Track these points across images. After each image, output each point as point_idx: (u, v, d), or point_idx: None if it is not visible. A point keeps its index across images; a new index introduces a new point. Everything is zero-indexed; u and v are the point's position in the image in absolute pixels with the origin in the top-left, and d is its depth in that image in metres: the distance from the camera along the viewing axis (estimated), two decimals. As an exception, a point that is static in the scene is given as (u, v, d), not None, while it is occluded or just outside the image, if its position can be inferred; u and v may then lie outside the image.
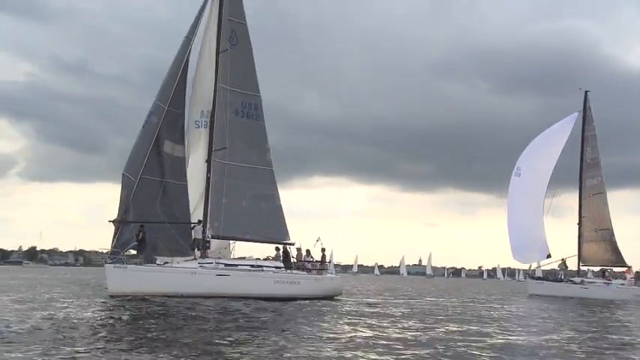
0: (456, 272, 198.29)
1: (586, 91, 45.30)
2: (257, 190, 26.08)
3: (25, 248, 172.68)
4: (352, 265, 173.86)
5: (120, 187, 24.05)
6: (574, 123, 44.34)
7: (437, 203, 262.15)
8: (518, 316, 22.65)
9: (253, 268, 24.45)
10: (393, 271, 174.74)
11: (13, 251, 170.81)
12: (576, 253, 43.55)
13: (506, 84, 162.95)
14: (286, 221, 26.55)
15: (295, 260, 26.15)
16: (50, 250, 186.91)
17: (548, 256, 42.79)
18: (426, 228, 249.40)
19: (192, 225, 24.70)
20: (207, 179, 25.08)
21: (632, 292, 40.17)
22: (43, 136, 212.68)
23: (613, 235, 43.13)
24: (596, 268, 45.60)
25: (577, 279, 42.84)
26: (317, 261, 26.37)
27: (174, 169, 24.64)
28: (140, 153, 24.04)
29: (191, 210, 25.02)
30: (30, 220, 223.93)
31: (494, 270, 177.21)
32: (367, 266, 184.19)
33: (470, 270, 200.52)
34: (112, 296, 22.15)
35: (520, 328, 16.58)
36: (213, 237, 24.93)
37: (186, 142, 25.49)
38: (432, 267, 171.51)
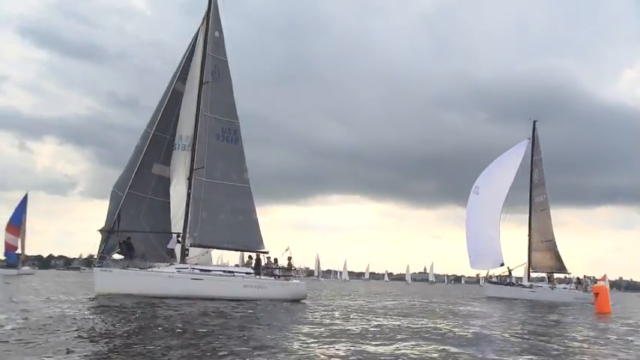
0: (457, 279, 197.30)
1: (534, 121, 46.36)
2: (235, 205, 26.31)
3: (84, 256, 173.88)
4: (364, 273, 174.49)
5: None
6: (525, 148, 45.23)
7: (440, 218, 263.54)
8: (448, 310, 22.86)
9: (225, 274, 24.79)
10: (401, 278, 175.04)
11: (74, 259, 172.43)
12: (526, 260, 44.37)
13: (501, 114, 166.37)
14: (261, 231, 26.77)
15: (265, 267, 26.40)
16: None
17: (502, 264, 43.61)
18: (431, 240, 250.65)
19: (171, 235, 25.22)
20: (188, 194, 25.37)
21: (572, 295, 40.58)
22: (101, 160, 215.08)
23: (555, 245, 44.15)
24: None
25: (527, 283, 43.64)
26: (283, 267, 26.58)
27: (158, 187, 25.36)
28: (128, 172, 24.76)
29: (174, 222, 25.61)
30: (89, 232, 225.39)
31: (490, 277, 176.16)
32: (378, 273, 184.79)
33: (469, 277, 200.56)
34: (98, 294, 22.62)
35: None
36: (192, 245, 25.18)
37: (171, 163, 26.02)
38: (434, 274, 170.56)
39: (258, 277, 25.09)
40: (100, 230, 23.98)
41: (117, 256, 24.48)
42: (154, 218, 25.02)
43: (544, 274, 44.21)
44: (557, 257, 43.76)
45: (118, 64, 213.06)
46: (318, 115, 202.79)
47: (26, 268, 70.63)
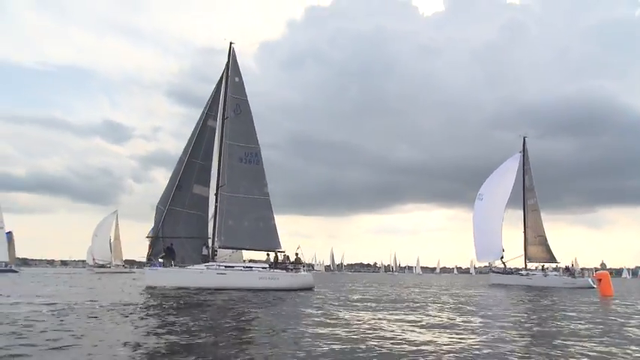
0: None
1: (524, 137, 44.80)
2: (257, 214, 26.32)
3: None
4: (436, 268, 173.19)
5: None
6: (518, 160, 43.91)
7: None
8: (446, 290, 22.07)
9: (244, 269, 24.76)
10: (467, 271, 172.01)
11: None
12: (522, 253, 42.71)
13: (549, 131, 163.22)
14: (278, 234, 26.70)
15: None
16: None
17: (502, 257, 42.36)
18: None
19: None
20: (215, 207, 25.60)
21: (562, 280, 38.74)
22: None
23: (546, 240, 42.37)
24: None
25: (523, 272, 41.99)
26: (292, 262, 26.30)
27: (195, 203, 25.69)
28: (168, 191, 25.28)
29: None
30: None
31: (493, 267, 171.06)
32: (448, 268, 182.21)
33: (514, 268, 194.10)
34: (148, 287, 23.07)
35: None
36: (219, 247, 25.39)
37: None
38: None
39: (271, 270, 24.90)
40: (147, 237, 24.51)
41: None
42: (191, 228, 25.36)
43: (539, 264, 42.23)
44: (548, 250, 42.04)
45: None
46: (391, 140, 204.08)
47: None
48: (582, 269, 41.61)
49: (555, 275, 40.08)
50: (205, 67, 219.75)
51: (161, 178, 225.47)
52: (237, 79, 27.23)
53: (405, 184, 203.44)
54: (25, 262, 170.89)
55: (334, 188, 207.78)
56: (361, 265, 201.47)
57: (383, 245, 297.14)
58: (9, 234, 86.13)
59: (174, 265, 24.19)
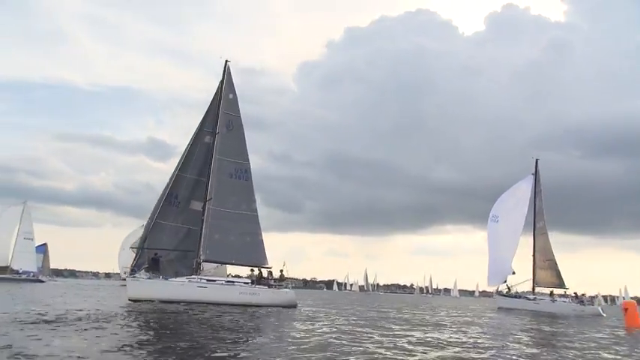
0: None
1: (536, 159, 43.41)
2: (243, 229, 26.15)
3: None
4: (475, 291, 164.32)
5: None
6: (531, 182, 42.64)
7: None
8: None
9: (226, 283, 24.48)
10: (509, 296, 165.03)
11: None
12: (531, 277, 41.08)
13: (593, 151, 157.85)
14: (265, 250, 26.46)
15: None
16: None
17: (505, 281, 40.95)
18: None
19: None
20: (201, 220, 25.50)
21: (571, 307, 37.06)
22: (264, 202, 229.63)
23: (556, 264, 40.68)
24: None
25: (531, 296, 40.33)
26: (276, 279, 25.88)
27: (185, 217, 25.59)
28: (157, 205, 25.30)
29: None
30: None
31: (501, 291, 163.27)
32: (489, 292, 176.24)
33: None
34: (130, 299, 22.99)
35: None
36: (204, 261, 25.22)
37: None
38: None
39: (252, 286, 24.56)
40: (131, 248, 24.57)
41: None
42: (178, 241, 25.25)
43: (548, 290, 40.51)
44: (558, 275, 40.39)
45: (274, 130, 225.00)
46: (430, 159, 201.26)
47: None
48: (591, 297, 39.56)
49: (563, 302, 38.37)
50: (245, 87, 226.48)
51: None
52: (231, 96, 27.37)
53: (444, 205, 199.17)
54: (73, 273, 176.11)
55: (371, 207, 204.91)
56: (397, 286, 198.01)
57: (420, 266, 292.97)
58: (44, 246, 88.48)
59: (159, 277, 24.03)
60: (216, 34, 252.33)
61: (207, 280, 24.09)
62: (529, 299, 39.73)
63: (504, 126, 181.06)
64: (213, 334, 11.10)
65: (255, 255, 25.99)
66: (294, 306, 24.58)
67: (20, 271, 66.79)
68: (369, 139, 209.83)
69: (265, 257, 26.18)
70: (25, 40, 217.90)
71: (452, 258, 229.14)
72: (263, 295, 24.06)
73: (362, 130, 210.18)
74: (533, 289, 40.82)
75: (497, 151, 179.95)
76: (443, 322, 19.10)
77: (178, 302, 22.08)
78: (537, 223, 41.57)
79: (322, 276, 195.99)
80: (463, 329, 16.06)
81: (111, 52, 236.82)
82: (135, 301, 22.52)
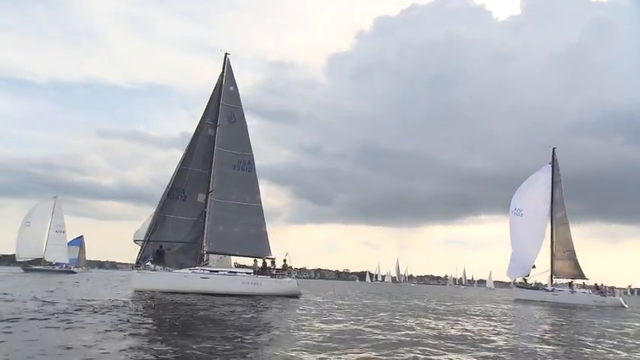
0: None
1: (554, 148, 42.02)
2: (247, 220, 26.14)
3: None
4: (510, 282, 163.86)
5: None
6: (549, 171, 41.23)
7: (585, 234, 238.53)
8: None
9: (228, 274, 24.49)
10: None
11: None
12: (549, 268, 39.81)
13: (636, 137, 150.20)
14: (269, 240, 26.43)
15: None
16: (301, 268, 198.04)
17: (527, 275, 39.77)
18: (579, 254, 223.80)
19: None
20: (204, 212, 25.55)
21: (591, 298, 35.84)
22: (296, 195, 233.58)
23: (575, 254, 39.27)
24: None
25: (549, 287, 39.14)
26: (278, 269, 25.76)
27: (189, 210, 25.67)
28: (161, 199, 25.45)
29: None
30: (291, 249, 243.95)
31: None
32: (562, 284, 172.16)
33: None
34: (135, 291, 23.26)
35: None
36: (207, 252, 25.32)
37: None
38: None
39: (255, 275, 24.52)
40: (135, 241, 24.81)
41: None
42: (184, 233, 25.36)
43: (566, 281, 39.19)
44: (577, 265, 39.03)
45: (304, 123, 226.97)
46: (463, 149, 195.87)
47: None
48: (612, 287, 38.06)
49: (583, 292, 37.10)
50: (275, 81, 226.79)
51: None
52: (231, 89, 27.29)
53: (478, 195, 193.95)
54: (114, 265, 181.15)
55: (404, 198, 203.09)
56: (431, 277, 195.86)
57: (454, 257, 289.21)
58: (80, 238, 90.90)
59: (163, 269, 24.25)
60: (245, 28, 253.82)
61: (210, 271, 24.17)
62: (548, 290, 38.59)
63: (540, 113, 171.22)
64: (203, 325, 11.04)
65: (258, 246, 25.97)
66: (296, 296, 24.46)
67: (54, 263, 68.78)
68: (401, 129, 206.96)
69: (269, 248, 26.13)
70: (64, 40, 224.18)
71: (487, 248, 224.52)
72: (265, 284, 24.04)
73: (393, 121, 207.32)
74: (552, 280, 39.58)
75: (532, 139, 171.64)
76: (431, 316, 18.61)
77: (182, 293, 22.26)
78: (557, 213, 40.24)
79: (355, 267, 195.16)
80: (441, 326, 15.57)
81: (144, 49, 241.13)
82: (140, 291, 22.79)
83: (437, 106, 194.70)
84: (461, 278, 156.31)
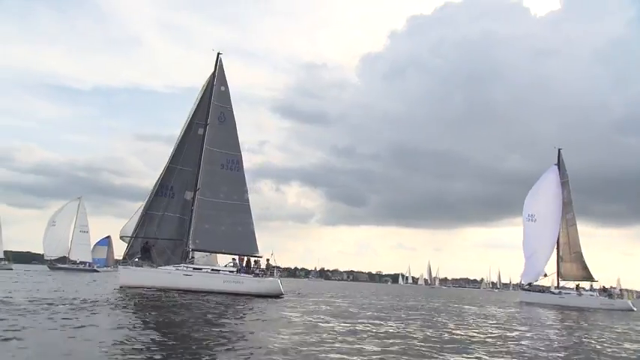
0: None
1: (559, 149, 40.51)
2: (235, 219, 26.05)
3: (318, 269, 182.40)
4: (550, 287, 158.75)
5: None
6: (555, 173, 39.69)
7: (632, 236, 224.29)
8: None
9: (211, 272, 24.32)
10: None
11: (311, 270, 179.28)
12: (555, 270, 38.36)
13: None
14: (256, 238, 26.34)
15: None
16: (333, 270, 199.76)
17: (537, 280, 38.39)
18: (623, 257, 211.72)
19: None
20: (191, 211, 25.50)
21: (599, 300, 34.41)
22: (329, 196, 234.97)
23: (582, 256, 37.82)
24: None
25: (555, 290, 37.71)
26: (262, 268, 25.42)
27: (178, 207, 25.71)
28: (149, 197, 25.54)
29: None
30: (323, 250, 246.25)
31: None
32: (568, 287, 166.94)
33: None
34: (121, 287, 23.43)
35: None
36: (193, 250, 25.27)
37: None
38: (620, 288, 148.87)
39: (237, 274, 24.27)
40: (121, 238, 24.96)
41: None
42: (170, 230, 25.39)
43: (573, 283, 37.75)
44: (585, 267, 37.65)
45: (337, 123, 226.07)
46: (500, 149, 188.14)
47: None
48: (621, 290, 36.45)
49: (591, 295, 35.62)
50: (308, 82, 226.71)
51: (267, 189, 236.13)
52: (222, 88, 27.25)
53: (517, 196, 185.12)
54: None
55: (439, 200, 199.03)
56: (467, 280, 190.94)
57: (490, 260, 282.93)
58: (107, 239, 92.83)
59: (149, 265, 24.29)
60: (278, 31, 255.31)
61: (194, 269, 24.06)
62: (554, 293, 37.16)
63: (582, 111, 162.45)
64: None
65: (245, 244, 25.82)
66: (279, 295, 24.13)
67: (78, 262, 70.32)
68: (435, 129, 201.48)
69: (256, 246, 25.97)
70: (106, 47, 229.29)
71: None
72: (247, 283, 23.79)
73: (428, 121, 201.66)
74: (558, 282, 38.17)
75: (575, 138, 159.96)
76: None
77: (165, 289, 22.26)
78: (566, 214, 38.70)
79: (389, 270, 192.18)
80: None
81: (181, 54, 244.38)
82: (125, 287, 22.89)
83: (472, 104, 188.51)
84: (496, 282, 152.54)
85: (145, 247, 24.73)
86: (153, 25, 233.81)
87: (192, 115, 26.57)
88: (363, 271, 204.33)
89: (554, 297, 36.45)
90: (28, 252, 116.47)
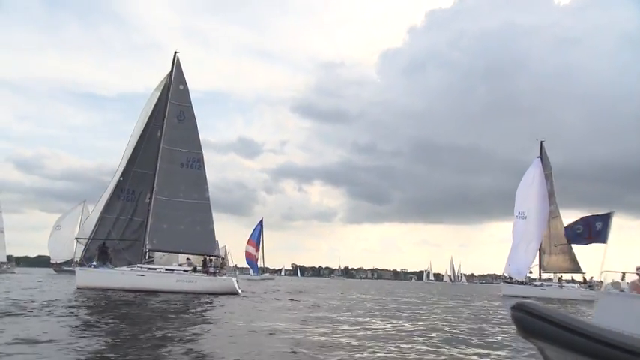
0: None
1: (541, 141, 39.33)
2: (194, 218, 25.49)
3: (342, 267, 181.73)
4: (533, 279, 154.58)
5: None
6: (539, 166, 38.38)
7: None
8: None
9: (165, 271, 23.82)
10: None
11: (335, 269, 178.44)
12: (537, 263, 37.23)
13: None
14: (215, 238, 25.91)
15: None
16: (358, 268, 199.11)
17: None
18: None
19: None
20: (147, 211, 25.02)
21: (579, 292, 33.24)
22: (351, 194, 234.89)
23: (571, 248, 36.30)
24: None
25: (538, 282, 36.53)
26: (216, 267, 24.85)
27: (133, 208, 25.28)
28: (107, 200, 25.11)
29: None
30: (348, 249, 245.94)
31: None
32: (596, 281, 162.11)
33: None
34: (78, 288, 23.03)
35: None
36: (150, 250, 24.79)
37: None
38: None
39: (190, 273, 23.75)
40: (77, 239, 24.60)
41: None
42: (128, 231, 24.98)
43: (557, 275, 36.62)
44: (573, 259, 36.21)
45: (358, 121, 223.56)
46: (523, 141, 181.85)
47: (266, 275, 72.58)
48: (601, 282, 35.07)
49: (572, 287, 34.42)
50: (327, 81, 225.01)
51: (289, 189, 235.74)
52: (181, 87, 26.73)
53: None
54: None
55: (464, 195, 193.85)
56: (494, 276, 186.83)
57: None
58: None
59: (106, 266, 23.89)
60: (297, 31, 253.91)
61: (148, 269, 23.59)
62: (536, 285, 36.02)
63: (610, 100, 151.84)
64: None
65: (204, 243, 25.28)
66: (235, 293, 23.53)
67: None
68: (458, 124, 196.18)
69: (215, 246, 25.58)
70: (128, 53, 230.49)
71: None
72: (200, 282, 23.27)
73: (449, 116, 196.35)
74: (540, 275, 37.02)
75: (602, 127, 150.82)
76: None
77: (121, 290, 21.83)
78: (549, 207, 37.46)
79: (414, 267, 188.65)
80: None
81: (201, 58, 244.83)
82: (83, 289, 22.52)
83: (495, 97, 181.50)
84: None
85: (102, 249, 24.35)
86: (173, 29, 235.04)
87: (149, 117, 26.05)
88: (388, 268, 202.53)
89: (537, 289, 35.31)
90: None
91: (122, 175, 25.20)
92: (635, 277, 7.84)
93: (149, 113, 26.11)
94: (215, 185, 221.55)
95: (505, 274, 39.27)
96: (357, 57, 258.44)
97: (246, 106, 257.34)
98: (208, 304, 17.44)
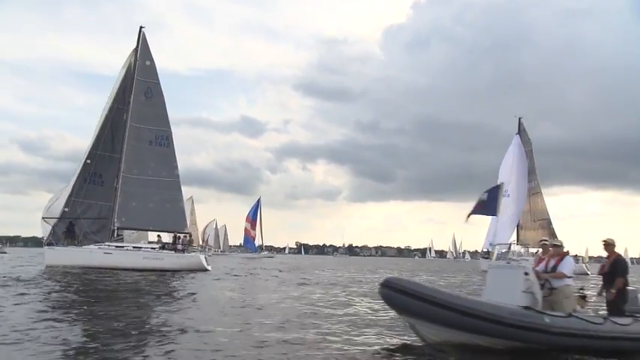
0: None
1: (519, 118, 38.85)
2: (163, 195, 25.11)
3: (346, 245, 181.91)
4: (583, 257, 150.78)
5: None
6: (519, 143, 37.65)
7: None
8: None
9: (133, 249, 23.57)
10: None
11: (339, 247, 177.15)
12: (515, 238, 36.87)
13: None
14: (185, 216, 25.55)
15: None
16: (362, 246, 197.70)
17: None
18: None
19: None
20: (115, 189, 24.56)
21: None
22: (355, 173, 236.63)
23: (550, 223, 36.46)
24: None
25: (515, 257, 36.30)
26: (184, 244, 24.64)
27: (95, 190, 24.63)
28: (74, 183, 24.57)
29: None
30: (352, 227, 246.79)
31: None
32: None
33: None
34: (47, 266, 22.74)
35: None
36: (119, 228, 24.50)
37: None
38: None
39: (158, 251, 23.52)
40: (44, 218, 24.26)
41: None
42: (96, 210, 24.48)
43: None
44: (552, 234, 35.84)
45: (361, 99, 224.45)
46: (531, 117, 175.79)
47: (265, 253, 73.02)
48: (576, 255, 35.08)
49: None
50: (330, 58, 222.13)
51: (294, 168, 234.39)
52: (147, 63, 26.09)
53: (549, 166, 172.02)
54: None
55: (468, 172, 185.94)
56: None
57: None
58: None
59: (74, 245, 23.58)
60: (298, 7, 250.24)
61: (116, 247, 23.33)
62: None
63: (618, 74, 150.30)
64: None
65: (174, 221, 25.00)
66: (203, 270, 23.32)
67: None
68: (462, 100, 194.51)
69: (185, 223, 25.30)
70: (130, 32, 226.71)
71: (560, 221, 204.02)
72: (167, 259, 23.12)
73: (453, 92, 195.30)
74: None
75: (610, 102, 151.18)
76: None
77: (88, 268, 21.57)
78: (529, 183, 36.97)
79: (419, 244, 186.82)
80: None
81: (203, 36, 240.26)
82: (51, 267, 22.26)
83: (499, 73, 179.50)
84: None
85: (69, 228, 23.98)
86: (175, 7, 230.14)
87: (116, 94, 25.39)
88: (392, 246, 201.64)
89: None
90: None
91: (88, 158, 24.59)
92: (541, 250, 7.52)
93: (115, 93, 25.41)
94: (219, 164, 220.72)
95: (484, 250, 39.23)
96: (359, 33, 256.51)
97: (248, 85, 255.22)
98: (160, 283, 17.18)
